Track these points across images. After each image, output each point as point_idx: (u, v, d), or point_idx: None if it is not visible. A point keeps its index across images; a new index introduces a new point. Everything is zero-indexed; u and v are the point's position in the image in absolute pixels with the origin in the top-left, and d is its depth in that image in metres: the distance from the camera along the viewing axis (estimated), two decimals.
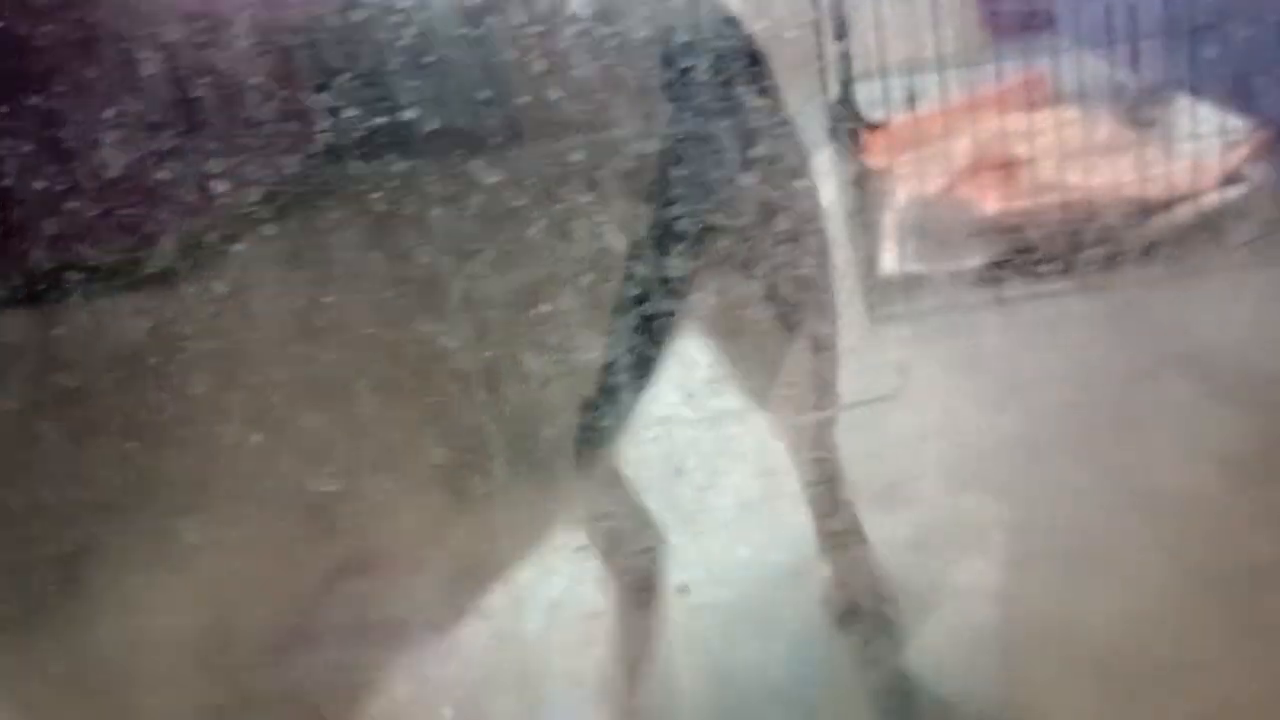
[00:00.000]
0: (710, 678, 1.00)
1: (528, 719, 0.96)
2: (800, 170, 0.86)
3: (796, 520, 1.07)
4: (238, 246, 0.62)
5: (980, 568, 1.08)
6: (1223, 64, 1.62)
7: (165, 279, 0.60)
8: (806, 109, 1.71)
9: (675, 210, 0.71)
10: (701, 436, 0.87)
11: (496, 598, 0.80)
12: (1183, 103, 1.72)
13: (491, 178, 0.65)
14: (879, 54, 1.64)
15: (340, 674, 0.77)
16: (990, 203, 1.62)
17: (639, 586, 0.95)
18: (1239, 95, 1.66)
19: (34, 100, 0.55)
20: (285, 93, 0.59)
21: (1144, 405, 1.34)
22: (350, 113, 0.61)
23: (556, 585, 0.88)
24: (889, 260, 1.55)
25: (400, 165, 0.63)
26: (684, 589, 0.98)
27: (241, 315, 0.64)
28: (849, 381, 1.41)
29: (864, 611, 1.02)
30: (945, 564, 1.10)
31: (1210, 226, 1.58)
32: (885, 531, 1.11)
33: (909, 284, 1.53)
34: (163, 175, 0.59)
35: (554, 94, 0.66)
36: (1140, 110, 1.75)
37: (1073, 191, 1.65)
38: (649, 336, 0.74)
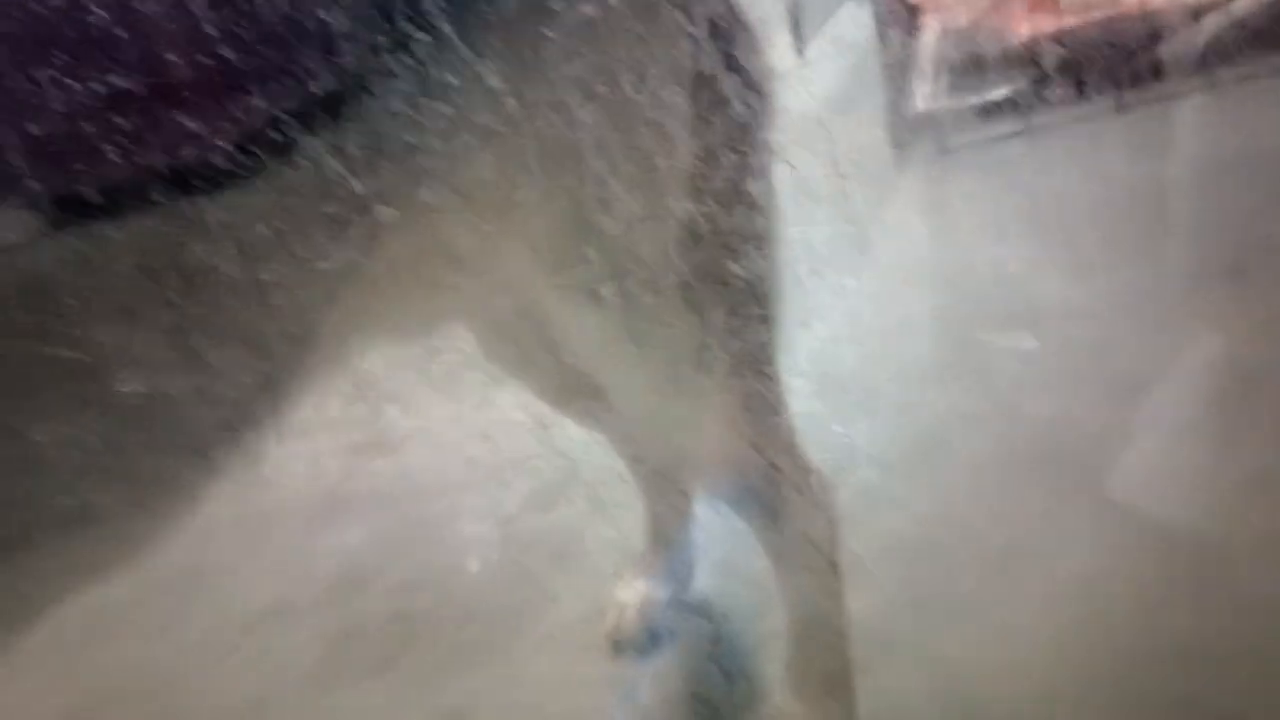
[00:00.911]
0: None
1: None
2: None
3: None
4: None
5: (1007, 396, 1.14)
6: None
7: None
8: None
9: None
10: None
11: None
12: None
13: None
14: None
15: None
16: (1022, 28, 1.60)
17: None
18: None
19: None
20: None
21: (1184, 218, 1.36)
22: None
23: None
24: (920, 97, 1.56)
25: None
26: None
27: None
28: (882, 222, 1.45)
29: None
30: (964, 391, 1.15)
31: (1248, 31, 1.55)
32: (904, 365, 1.17)
33: (939, 119, 1.55)
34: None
35: None
36: None
37: (1110, 6, 1.63)
38: None
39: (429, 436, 1.24)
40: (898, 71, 1.63)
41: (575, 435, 0.96)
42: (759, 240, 0.79)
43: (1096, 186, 1.40)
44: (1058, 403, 1.13)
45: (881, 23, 1.70)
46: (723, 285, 0.77)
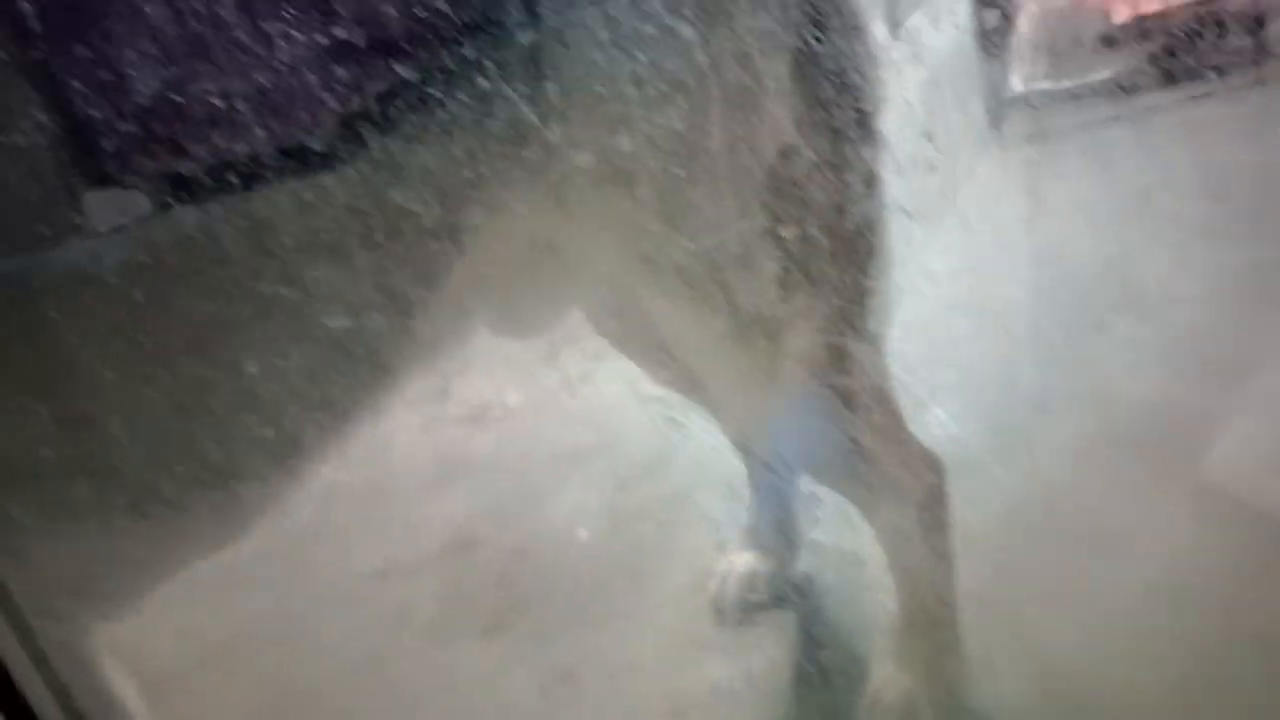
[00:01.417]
0: None
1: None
2: None
3: None
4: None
5: (1107, 378, 1.15)
6: None
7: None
8: None
9: None
10: None
11: None
12: None
13: None
14: None
15: None
16: (1123, 10, 1.59)
17: None
18: None
19: None
20: None
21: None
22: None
23: None
24: (1017, 79, 1.56)
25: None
26: None
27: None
28: (979, 204, 1.46)
29: None
30: (1063, 374, 1.16)
31: None
32: (1001, 346, 1.18)
33: (1037, 101, 1.55)
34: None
35: None
36: None
37: None
38: None
39: (538, 408, 1.29)
40: (994, 53, 1.63)
41: (680, 408, 0.99)
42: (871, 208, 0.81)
43: (1197, 171, 1.40)
44: (1158, 386, 1.14)
45: (978, 3, 1.69)
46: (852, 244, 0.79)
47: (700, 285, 0.75)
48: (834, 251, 0.78)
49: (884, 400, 0.82)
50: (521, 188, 0.71)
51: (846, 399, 0.82)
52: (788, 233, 0.75)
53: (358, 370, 0.72)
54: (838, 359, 0.79)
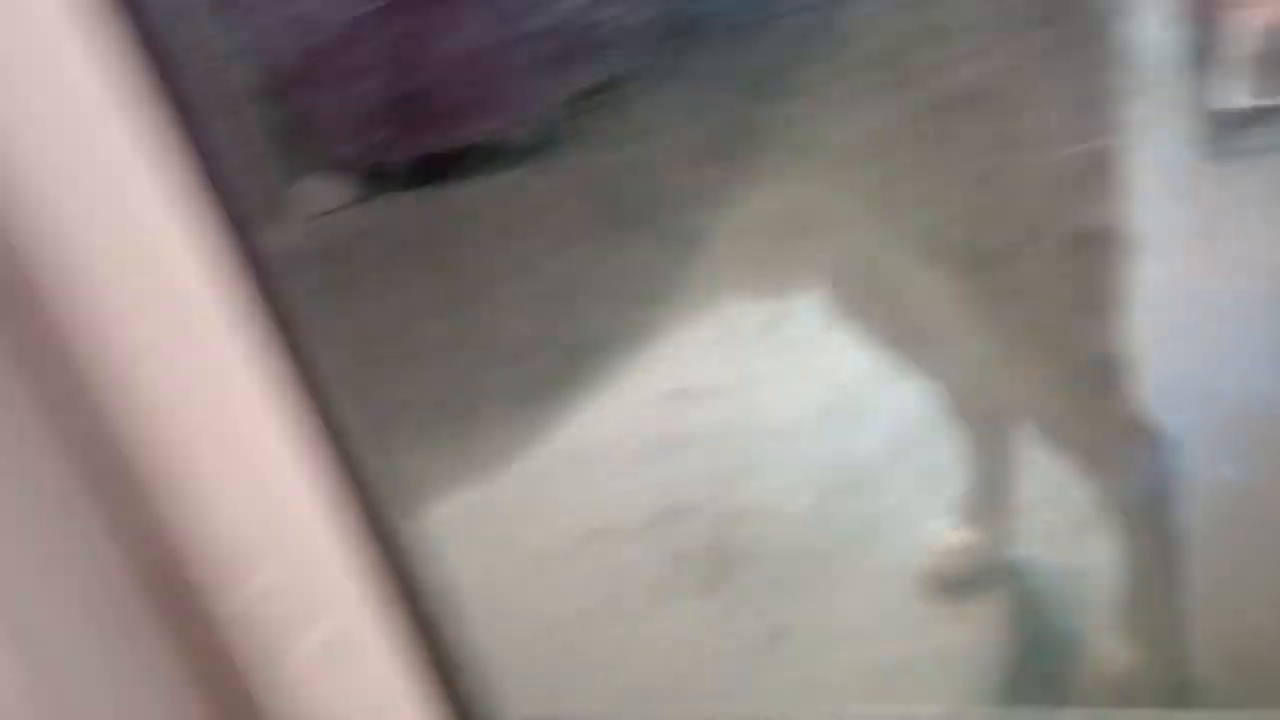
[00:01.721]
0: None
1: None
2: None
3: None
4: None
5: None
6: None
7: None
8: None
9: None
10: None
11: None
12: None
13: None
14: None
15: None
16: None
17: None
18: None
19: None
20: None
21: None
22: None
23: None
24: (1236, 93, 1.55)
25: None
26: None
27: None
28: (1184, 218, 1.46)
29: None
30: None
31: None
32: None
33: (1257, 118, 1.54)
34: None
35: None
36: None
37: None
38: None
39: (751, 383, 1.35)
40: (1200, 66, 1.63)
41: (900, 382, 1.04)
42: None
43: None
44: None
45: (1184, 14, 1.69)
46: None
47: (957, 255, 0.80)
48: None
49: (1116, 368, 0.85)
50: (780, 159, 0.77)
51: (1081, 366, 0.85)
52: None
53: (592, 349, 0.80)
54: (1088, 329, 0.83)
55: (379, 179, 0.73)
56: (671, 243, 0.84)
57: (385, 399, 0.75)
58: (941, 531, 1.10)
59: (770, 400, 1.34)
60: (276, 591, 0.66)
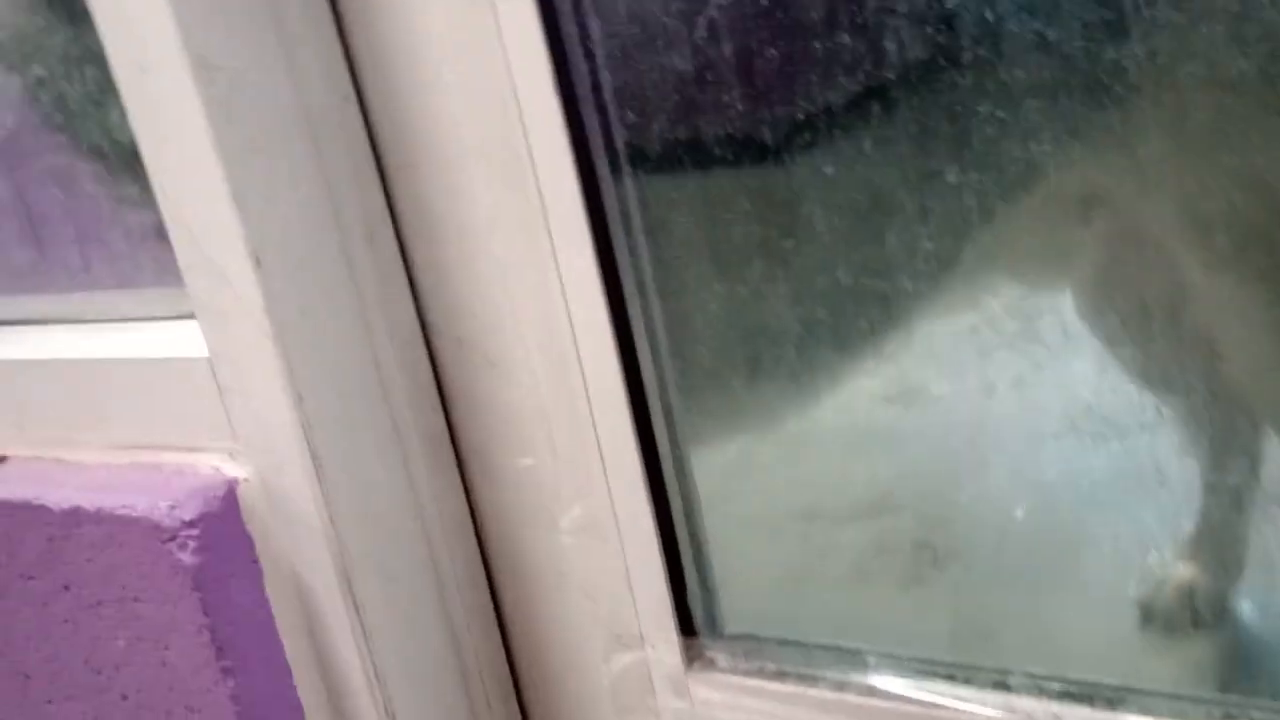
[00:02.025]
0: None
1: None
2: None
3: None
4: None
5: None
6: None
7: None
8: None
9: None
10: None
11: None
12: None
13: None
14: None
15: None
16: None
17: None
18: None
19: None
20: None
21: None
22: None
23: None
24: None
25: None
26: None
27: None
28: None
29: None
30: None
31: None
32: None
33: None
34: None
35: None
36: None
37: None
38: None
39: (991, 382, 1.36)
40: None
41: (1137, 402, 1.04)
42: None
43: None
44: None
45: None
46: None
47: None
48: None
49: None
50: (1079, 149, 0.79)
51: None
52: None
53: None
54: None
55: (706, 148, 0.80)
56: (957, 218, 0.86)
57: (688, 338, 0.82)
58: (1164, 563, 1.09)
59: (1004, 404, 1.35)
60: (547, 467, 0.75)
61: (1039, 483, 1.30)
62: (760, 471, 1.41)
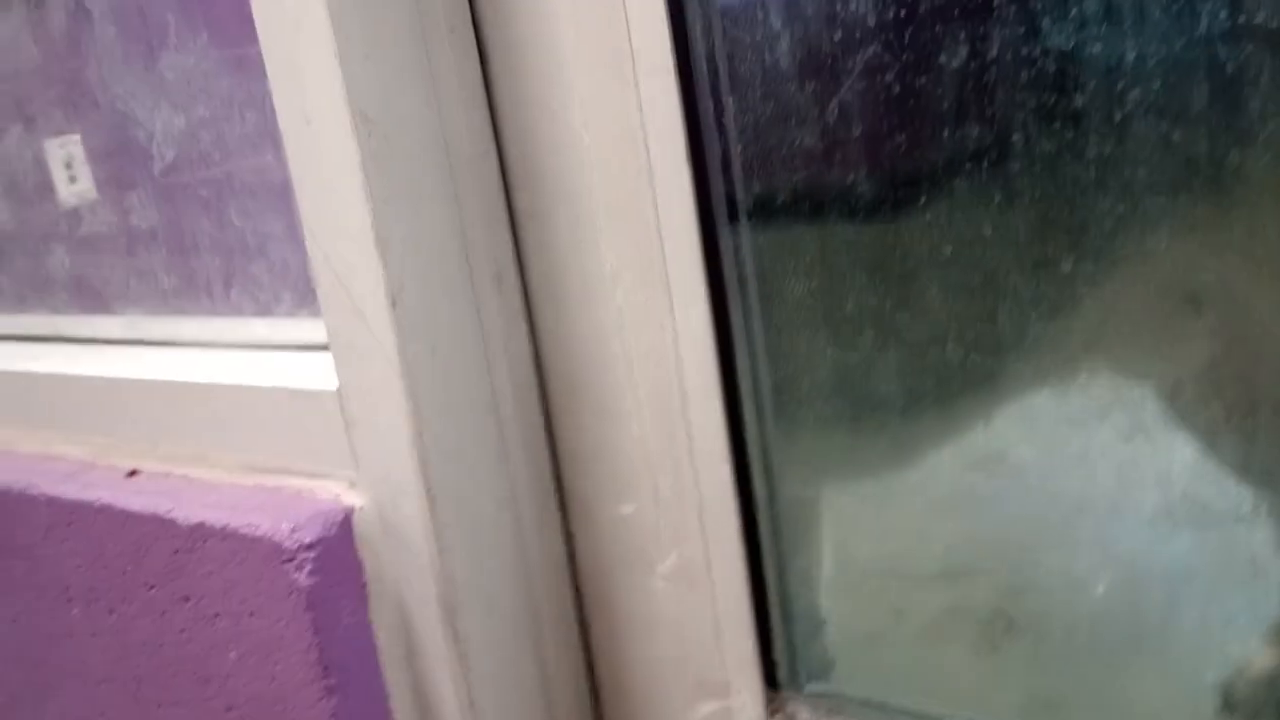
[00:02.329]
0: None
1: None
2: None
3: None
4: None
5: None
6: None
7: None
8: None
9: None
10: None
11: None
12: None
13: None
14: None
15: None
16: None
17: None
18: None
19: None
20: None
21: None
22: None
23: None
24: None
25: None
26: None
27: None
28: None
29: None
30: None
31: None
32: None
33: None
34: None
35: None
36: None
37: None
38: None
39: (1055, 461, 1.36)
40: None
41: (1234, 493, 1.03)
42: None
43: None
44: None
45: None
46: None
47: None
48: None
49: None
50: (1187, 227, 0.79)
51: None
52: None
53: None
54: None
55: (825, 217, 0.82)
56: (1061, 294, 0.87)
57: (793, 399, 0.84)
58: (1248, 650, 1.08)
59: (1098, 481, 1.35)
60: (648, 515, 0.77)
61: (1125, 561, 1.29)
62: (849, 528, 1.43)
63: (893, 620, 1.30)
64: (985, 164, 0.77)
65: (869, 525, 1.36)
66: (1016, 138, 0.72)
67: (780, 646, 0.77)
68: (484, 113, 0.73)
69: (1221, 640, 1.13)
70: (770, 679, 0.76)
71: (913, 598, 1.33)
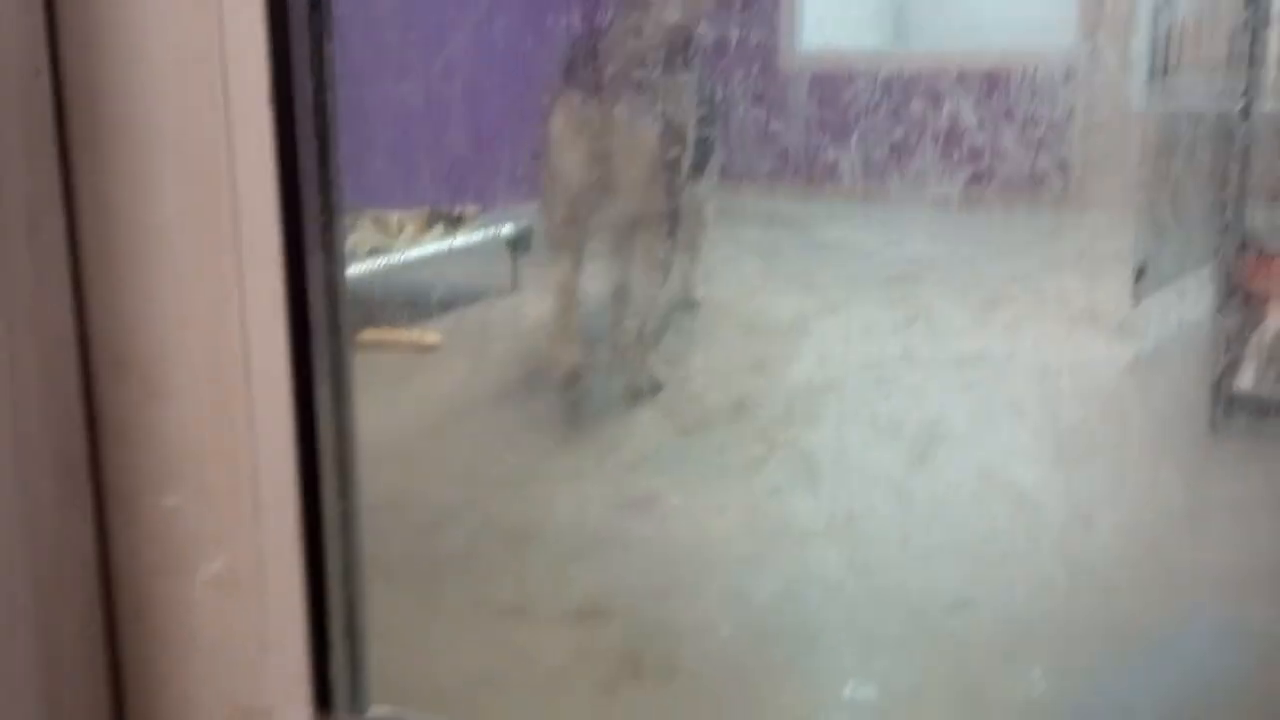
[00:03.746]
0: None
1: None
2: None
3: None
4: None
5: None
6: None
7: None
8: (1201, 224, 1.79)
9: None
10: None
11: None
12: None
13: None
14: None
15: None
16: None
17: None
18: None
19: None
20: None
21: None
22: None
23: None
24: (1246, 379, 1.60)
25: None
26: None
27: None
28: (1183, 486, 1.50)
29: None
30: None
31: None
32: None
33: (1261, 405, 1.58)
34: None
35: None
36: None
37: None
38: None
39: (699, 507, 1.36)
40: (1227, 349, 1.68)
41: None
42: None
43: None
44: None
45: (1222, 300, 1.75)
46: None
47: None
48: None
49: None
50: None
51: None
52: None
53: None
54: None
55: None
56: None
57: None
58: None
59: (713, 527, 1.36)
60: (193, 509, 0.66)
61: (736, 604, 1.30)
62: (458, 569, 1.36)
63: (513, 658, 1.24)
64: None
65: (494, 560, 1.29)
66: None
67: (339, 664, 0.68)
68: (40, 17, 0.61)
69: (838, 685, 1.14)
70: (323, 700, 0.67)
71: (532, 639, 1.28)
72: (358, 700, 0.68)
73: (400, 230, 2.32)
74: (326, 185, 0.64)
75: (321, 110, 0.64)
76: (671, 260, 1.74)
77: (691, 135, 1.64)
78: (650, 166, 1.52)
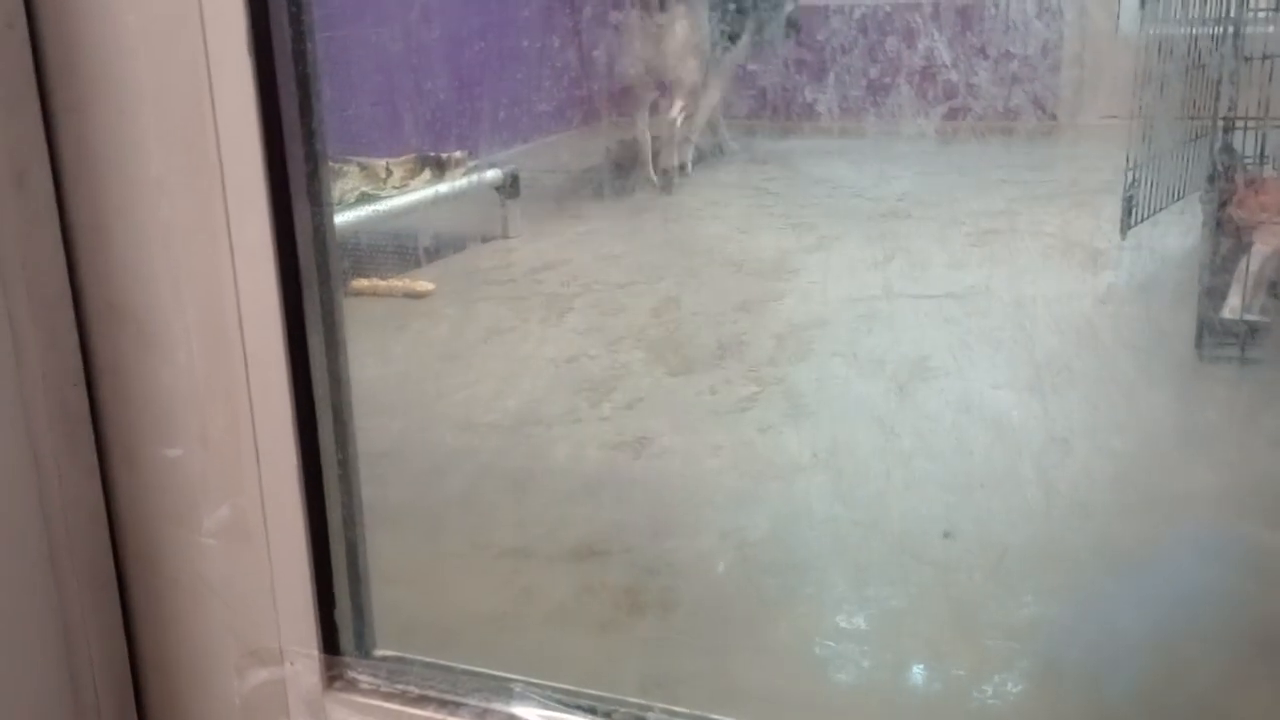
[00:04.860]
0: None
1: None
2: None
3: None
4: None
5: None
6: None
7: None
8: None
9: None
10: None
11: None
12: None
13: None
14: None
15: None
16: None
17: None
18: None
19: None
20: None
21: None
22: None
23: None
24: (1232, 305, 1.61)
25: None
26: None
27: None
28: (1172, 413, 1.52)
29: None
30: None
31: None
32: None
33: (1247, 330, 1.59)
34: None
35: None
36: None
37: None
38: None
39: (695, 448, 1.38)
40: (1214, 276, 1.69)
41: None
42: None
43: None
44: None
45: (1209, 228, 1.76)
46: None
47: None
48: None
49: None
50: None
51: None
52: None
53: None
54: None
55: None
56: None
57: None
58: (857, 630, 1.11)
59: (710, 469, 1.38)
60: (196, 459, 0.68)
61: (737, 542, 1.32)
62: (462, 509, 1.38)
63: (517, 597, 1.26)
64: None
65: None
66: None
67: (346, 610, 0.70)
68: None
69: (829, 615, 1.17)
70: (330, 644, 0.69)
71: (535, 578, 1.30)
72: (364, 643, 0.70)
73: (388, 176, 2.32)
74: (310, 133, 0.65)
75: (302, 58, 0.64)
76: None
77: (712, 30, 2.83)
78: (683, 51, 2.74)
